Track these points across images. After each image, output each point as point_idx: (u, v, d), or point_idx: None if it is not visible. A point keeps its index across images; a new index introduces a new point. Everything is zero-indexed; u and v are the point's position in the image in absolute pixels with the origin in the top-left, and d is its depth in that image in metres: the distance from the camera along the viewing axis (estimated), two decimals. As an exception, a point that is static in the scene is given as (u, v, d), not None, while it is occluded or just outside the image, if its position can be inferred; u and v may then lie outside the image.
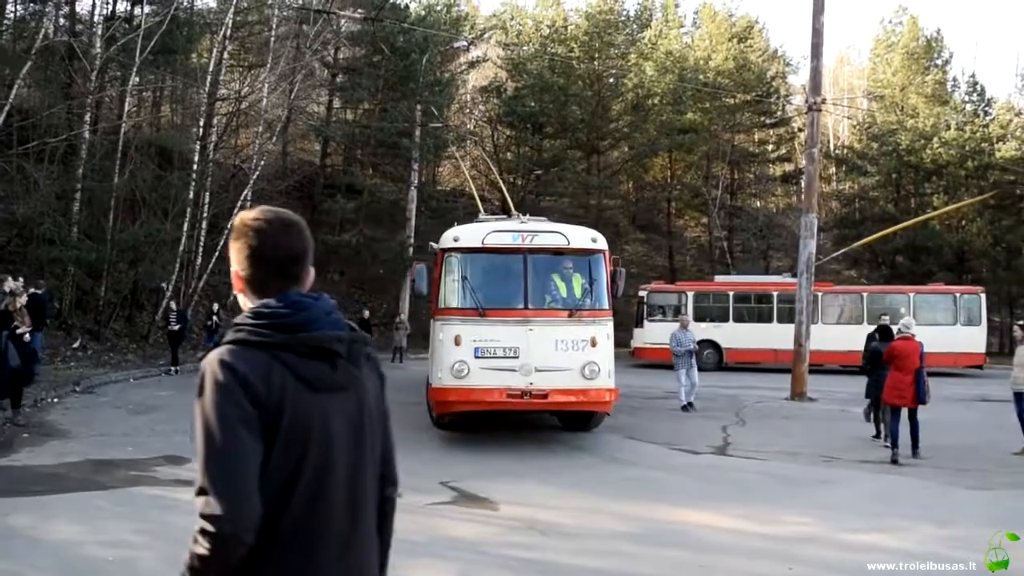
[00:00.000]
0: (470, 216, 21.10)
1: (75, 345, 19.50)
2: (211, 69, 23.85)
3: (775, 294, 24.91)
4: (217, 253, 23.03)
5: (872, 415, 12.18)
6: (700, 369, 15.79)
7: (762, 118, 42.82)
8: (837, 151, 44.12)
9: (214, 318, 20.26)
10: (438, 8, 36.15)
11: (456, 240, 11.02)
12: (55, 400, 13.54)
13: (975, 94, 38.63)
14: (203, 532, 1.64)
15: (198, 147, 23.03)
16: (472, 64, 38.95)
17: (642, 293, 25.84)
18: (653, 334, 24.16)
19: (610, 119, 39.67)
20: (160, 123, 26.77)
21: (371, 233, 29.74)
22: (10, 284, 12.29)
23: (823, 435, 12.35)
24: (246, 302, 1.94)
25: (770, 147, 45.12)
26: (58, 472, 8.50)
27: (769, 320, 24.78)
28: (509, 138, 39.39)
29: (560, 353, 10.25)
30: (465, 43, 38.05)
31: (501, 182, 27.81)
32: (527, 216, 12.20)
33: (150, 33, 21.19)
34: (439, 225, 31.62)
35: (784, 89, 45.30)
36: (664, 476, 9.34)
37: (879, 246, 33.70)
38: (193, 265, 23.37)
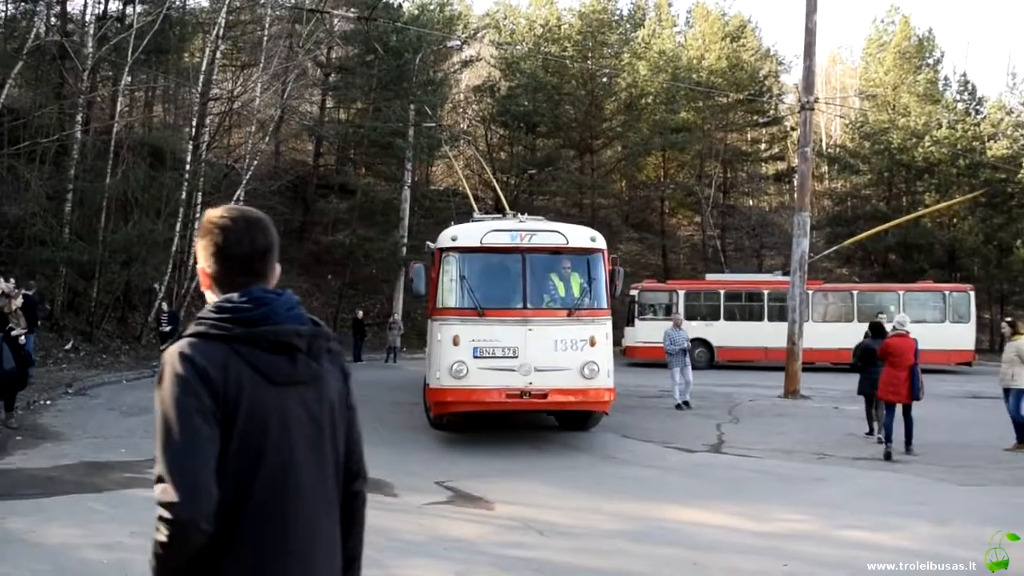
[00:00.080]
0: (463, 216, 21.04)
1: (67, 347, 19.42)
2: (204, 68, 23.79)
3: (766, 292, 25.00)
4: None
5: (865, 412, 12.23)
6: (691, 368, 15.82)
7: (755, 117, 42.92)
8: (829, 150, 44.24)
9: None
10: (431, 7, 36.09)
11: (454, 239, 10.95)
12: (48, 402, 13.49)
13: (966, 93, 38.74)
14: (161, 519, 1.69)
15: (190, 147, 22.97)
16: (465, 63, 38.90)
17: (633, 292, 25.88)
18: (644, 333, 24.21)
19: (603, 118, 39.70)
20: (152, 123, 26.72)
21: (364, 233, 29.66)
22: (3, 286, 12.24)
23: (817, 432, 12.40)
24: (212, 298, 1.97)
25: (763, 146, 45.25)
26: (52, 475, 8.48)
27: (760, 318, 24.86)
28: (502, 137, 39.37)
29: (559, 353, 10.23)
30: (458, 42, 38.03)
31: (495, 181, 27.79)
32: (525, 215, 12.18)
33: (142, 32, 21.11)
34: (432, 225, 31.73)
35: (777, 88, 45.43)
36: (659, 474, 9.37)
37: (871, 244, 33.81)
38: (186, 266, 23.29)
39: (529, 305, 10.48)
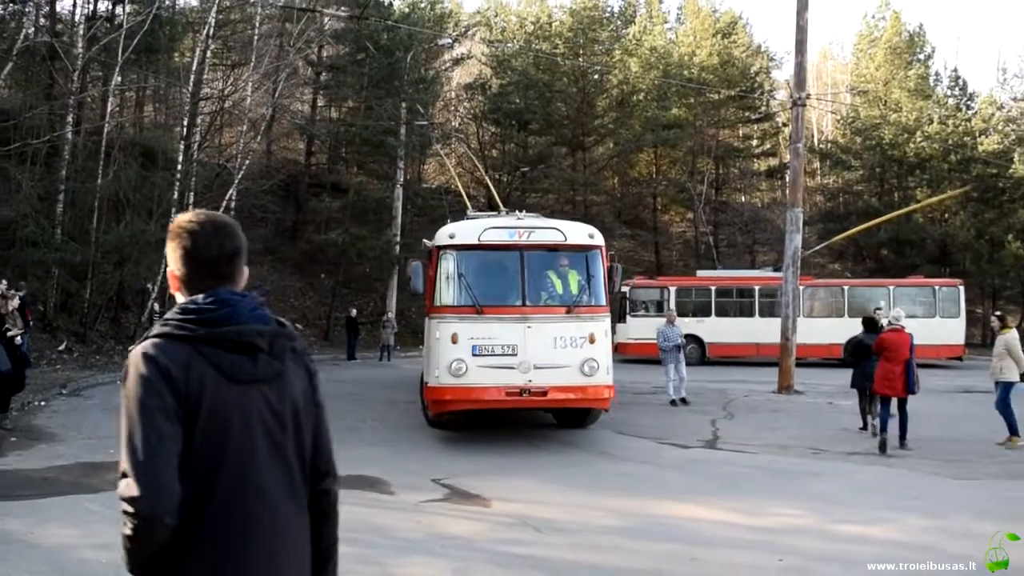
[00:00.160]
0: (456, 214, 21.05)
1: (61, 347, 19.38)
2: (194, 68, 23.71)
3: (756, 288, 25.08)
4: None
5: (859, 406, 12.30)
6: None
7: (746, 113, 43.00)
8: (821, 146, 44.36)
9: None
10: (422, 5, 36.05)
11: (452, 237, 10.89)
12: (42, 403, 13.44)
13: (957, 88, 38.90)
14: (125, 513, 1.75)
15: (182, 147, 22.89)
16: (456, 61, 38.87)
17: (624, 289, 25.92)
18: (636, 329, 24.25)
19: (595, 115, 39.72)
20: (143, 123, 26.63)
21: (357, 231, 29.63)
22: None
23: (811, 428, 12.46)
24: (182, 300, 2.03)
25: (754, 142, 45.32)
26: (48, 476, 8.47)
27: (751, 314, 24.96)
28: (494, 135, 39.34)
29: (559, 350, 10.18)
30: (449, 40, 38.03)
31: (487, 179, 27.80)
32: (523, 212, 12.15)
33: (132, 32, 21.03)
34: (425, 223, 31.73)
35: (768, 84, 45.47)
36: (655, 470, 9.41)
37: (863, 239, 33.93)
38: (179, 266, 23.20)
39: (528, 302, 10.42)
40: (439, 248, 10.90)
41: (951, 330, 24.07)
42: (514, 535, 6.65)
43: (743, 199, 46.91)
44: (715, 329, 24.85)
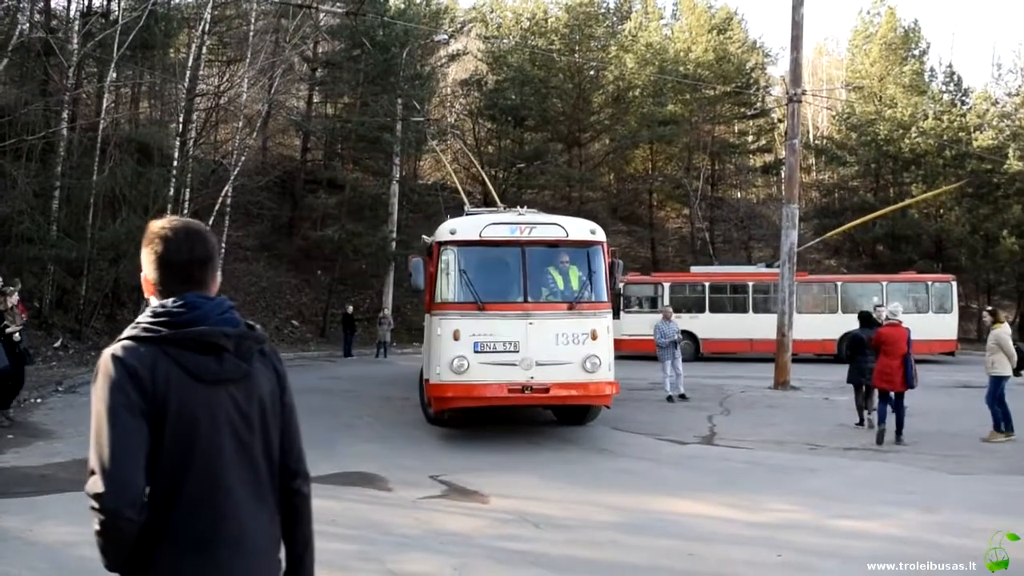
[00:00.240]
0: (452, 210, 21.03)
1: (56, 344, 19.34)
2: (190, 64, 23.65)
3: (751, 284, 25.13)
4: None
5: (855, 402, 12.34)
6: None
7: (742, 109, 43.03)
8: (817, 141, 44.42)
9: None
10: (418, 1, 36.02)
11: (453, 233, 10.80)
12: (38, 400, 13.44)
13: (952, 84, 38.96)
14: (92, 509, 1.83)
15: (178, 143, 22.83)
16: (452, 57, 38.82)
17: (619, 285, 25.90)
18: (630, 326, 24.26)
19: (591, 111, 39.74)
20: (139, 119, 26.52)
21: (353, 228, 29.60)
22: (-3, 284, 12.13)
23: (808, 423, 12.49)
24: (154, 303, 2.08)
25: (750, 138, 45.34)
26: (45, 473, 8.47)
27: (745, 310, 25.01)
28: (490, 131, 39.35)
29: (561, 347, 10.12)
30: (445, 36, 37.89)
31: (484, 175, 27.78)
32: (525, 208, 12.11)
33: (127, 28, 20.95)
34: (421, 219, 31.72)
35: (764, 80, 45.55)
36: (652, 467, 9.42)
37: (859, 235, 34.00)
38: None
39: (530, 299, 10.36)
40: (440, 244, 10.81)
41: (944, 325, 24.19)
42: (513, 531, 6.66)
43: (739, 195, 46.99)
44: (709, 325, 24.89)
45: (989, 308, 12.46)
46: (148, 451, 1.88)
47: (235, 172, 24.76)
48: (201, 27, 24.13)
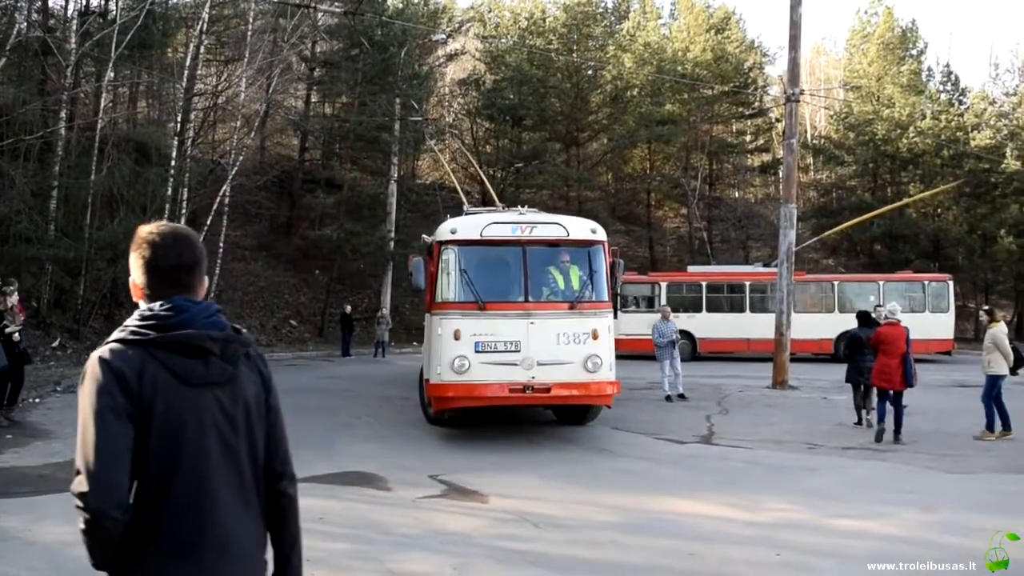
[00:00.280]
0: (451, 209, 21.02)
1: (54, 344, 19.32)
2: (188, 64, 23.65)
3: (747, 284, 25.16)
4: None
5: (854, 401, 12.35)
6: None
7: (740, 109, 43.04)
8: (814, 141, 44.48)
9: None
10: (416, 1, 36.01)
11: (453, 232, 10.75)
12: (36, 400, 13.42)
13: (950, 84, 39.04)
14: (77, 508, 1.87)
15: (175, 143, 22.84)
16: (450, 57, 38.83)
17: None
18: (627, 325, 24.24)
19: (589, 111, 39.77)
20: (137, 119, 26.49)
21: (351, 227, 29.58)
22: (-6, 284, 12.10)
23: (806, 422, 12.50)
24: (142, 307, 2.11)
25: (748, 138, 45.42)
26: (44, 473, 8.45)
27: (741, 310, 25.05)
28: (488, 131, 39.35)
29: (562, 346, 10.08)
30: (443, 36, 37.90)
31: (482, 175, 27.79)
32: (525, 207, 12.08)
33: (125, 28, 20.93)
34: (419, 219, 31.72)
35: (761, 80, 45.55)
36: (651, 466, 9.42)
37: (857, 235, 34.03)
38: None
39: (531, 298, 10.33)
40: (441, 243, 10.76)
41: (940, 324, 24.22)
42: (512, 531, 6.65)
43: (737, 195, 47.02)
44: (706, 325, 24.91)
45: (986, 307, 12.51)
46: (133, 453, 1.91)
47: (233, 172, 24.76)
48: (199, 27, 24.13)
